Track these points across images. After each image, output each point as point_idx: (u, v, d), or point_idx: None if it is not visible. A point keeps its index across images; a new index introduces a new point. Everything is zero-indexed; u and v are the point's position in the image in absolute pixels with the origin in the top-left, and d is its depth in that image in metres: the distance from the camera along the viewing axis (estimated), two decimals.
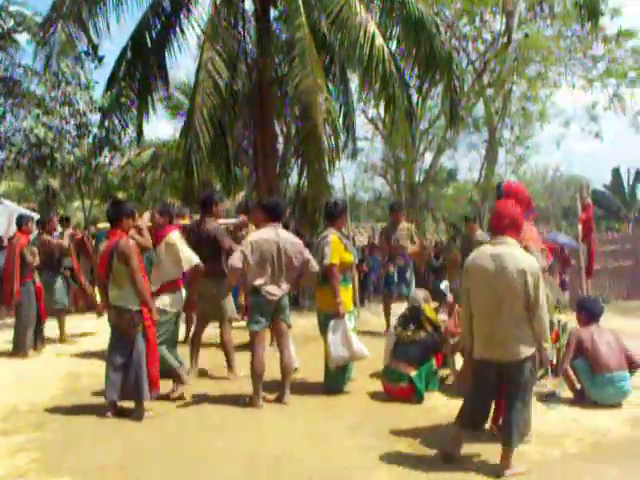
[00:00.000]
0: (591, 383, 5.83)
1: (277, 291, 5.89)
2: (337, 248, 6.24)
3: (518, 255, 4.31)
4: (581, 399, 5.91)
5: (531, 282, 4.21)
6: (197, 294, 7.32)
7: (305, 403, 6.05)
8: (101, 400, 5.76)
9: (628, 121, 23.58)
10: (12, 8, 13.89)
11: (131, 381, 5.57)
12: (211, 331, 7.74)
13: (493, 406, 4.73)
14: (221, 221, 7.76)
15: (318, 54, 11.38)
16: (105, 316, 6.00)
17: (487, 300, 4.35)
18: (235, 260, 5.78)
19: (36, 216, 12.14)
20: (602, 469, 4.45)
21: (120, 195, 24.65)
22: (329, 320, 6.17)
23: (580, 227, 9.12)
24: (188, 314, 8.85)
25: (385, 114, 12.44)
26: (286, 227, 6.49)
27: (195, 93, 11.40)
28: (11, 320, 8.82)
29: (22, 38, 14.53)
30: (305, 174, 12.02)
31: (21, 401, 6.17)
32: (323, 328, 6.30)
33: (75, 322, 9.94)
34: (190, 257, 6.20)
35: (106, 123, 13.49)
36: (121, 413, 5.65)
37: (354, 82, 14.54)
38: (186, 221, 8.23)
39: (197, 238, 6.99)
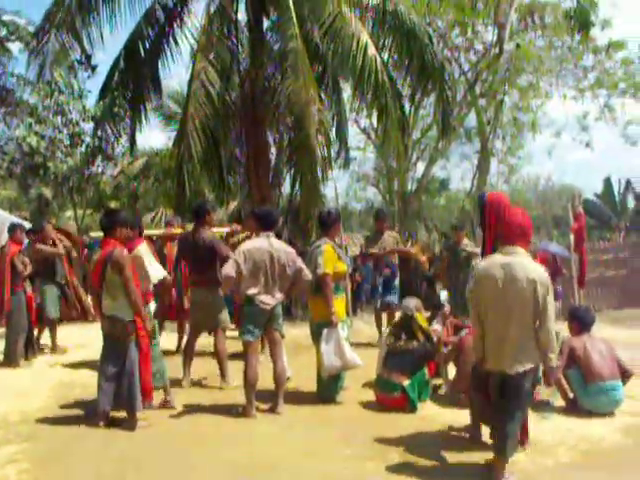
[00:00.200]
0: (584, 392, 5.85)
1: (271, 300, 5.88)
2: (331, 257, 6.25)
3: (528, 265, 4.32)
4: (574, 408, 5.92)
5: (540, 292, 4.22)
6: (190, 303, 7.32)
7: (298, 413, 6.04)
8: (93, 410, 5.73)
9: (619, 131, 23.70)
10: (5, 17, 13.92)
11: (124, 391, 5.54)
12: (204, 340, 7.73)
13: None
14: (214, 230, 7.76)
15: (311, 64, 11.42)
16: (97, 325, 5.96)
17: (496, 309, 4.36)
18: (228, 269, 5.78)
19: (27, 225, 12.10)
20: (594, 477, 4.47)
21: (113, 204, 24.61)
22: (322, 329, 6.17)
23: (572, 236, 9.15)
24: (180, 323, 8.85)
25: (377, 124, 12.49)
26: (279, 236, 6.49)
27: (188, 103, 11.41)
28: (2, 330, 8.77)
29: (15, 47, 14.56)
30: (298, 184, 12.04)
31: (12, 411, 6.13)
32: (316, 337, 6.30)
33: (67, 332, 9.88)
34: (157, 271, 6.15)
35: (99, 132, 13.49)
36: (113, 423, 5.63)
37: (347, 92, 14.59)
38: (178, 230, 8.25)
39: (191, 247, 6.99)
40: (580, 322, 6.22)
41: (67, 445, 5.19)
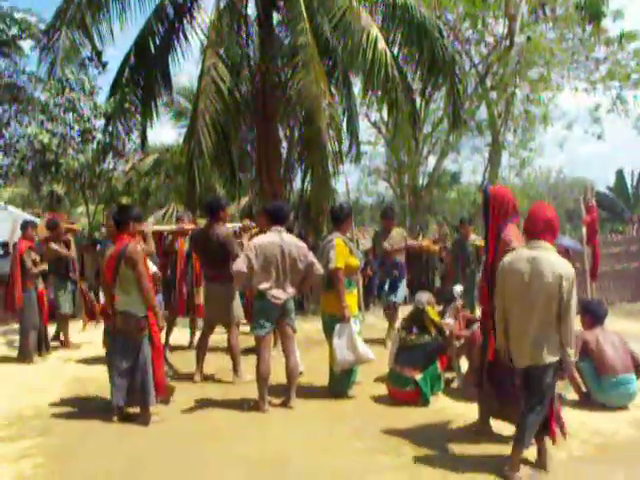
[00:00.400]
0: (597, 385, 5.83)
1: (282, 295, 5.89)
2: (342, 252, 6.25)
3: (554, 260, 4.33)
4: (587, 401, 5.90)
5: (566, 287, 4.23)
6: (205, 298, 7.35)
7: (310, 407, 6.05)
8: (107, 405, 5.77)
9: (631, 123, 23.48)
10: (16, 15, 13.99)
11: (137, 386, 5.58)
12: (217, 336, 7.76)
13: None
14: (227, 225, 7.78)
15: (321, 58, 11.39)
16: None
17: (521, 303, 4.37)
18: (240, 264, 5.79)
19: (38, 221, 12.17)
20: (608, 471, 4.45)
21: (124, 200, 24.70)
22: (334, 324, 6.17)
23: (584, 229, 9.09)
24: (192, 319, 8.90)
25: (388, 118, 12.44)
26: (290, 231, 6.49)
27: (198, 98, 11.41)
28: (17, 326, 8.84)
29: (26, 45, 14.67)
30: (309, 178, 12.03)
31: (26, 406, 6.19)
32: (328, 332, 6.31)
33: (78, 328, 9.94)
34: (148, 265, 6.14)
35: (110, 129, 13.52)
36: (127, 418, 5.66)
37: (357, 86, 14.55)
38: (190, 226, 8.27)
39: (205, 243, 7.01)
40: (593, 315, 6.19)
41: (81, 440, 5.23)
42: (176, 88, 17.67)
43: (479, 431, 5.19)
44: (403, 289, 9.18)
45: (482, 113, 20.08)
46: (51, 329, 9.22)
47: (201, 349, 7.16)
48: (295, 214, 13.32)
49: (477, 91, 18.66)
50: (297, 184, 14.33)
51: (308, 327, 9.19)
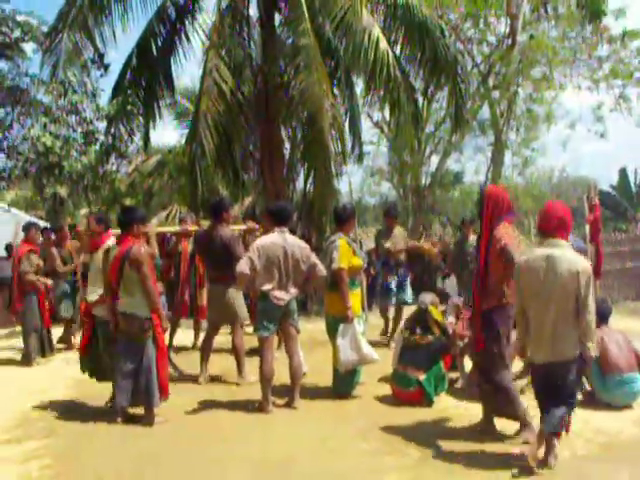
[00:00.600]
0: (601, 384, 5.82)
1: (285, 296, 5.90)
2: (345, 252, 6.26)
3: (571, 257, 4.40)
4: (591, 400, 5.89)
5: (583, 283, 4.31)
6: (208, 299, 7.35)
7: (314, 408, 6.06)
8: (111, 407, 5.78)
9: (634, 121, 23.43)
10: (19, 18, 14.01)
11: (141, 387, 5.59)
12: (221, 338, 7.77)
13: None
14: (230, 227, 7.79)
15: (323, 59, 11.40)
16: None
17: (539, 301, 4.43)
18: (242, 266, 5.79)
19: (42, 224, 12.21)
20: (613, 470, 4.45)
21: (127, 202, 24.69)
22: (338, 324, 6.18)
23: (587, 228, 9.08)
24: (195, 320, 8.91)
25: (390, 118, 12.44)
26: (293, 232, 6.49)
27: (200, 100, 11.43)
28: (20, 328, 8.88)
29: (29, 47, 14.68)
30: (311, 179, 12.04)
31: (31, 408, 6.21)
32: (332, 332, 6.31)
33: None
34: None
35: (112, 131, 13.54)
36: (131, 419, 5.67)
37: (359, 86, 14.56)
38: (193, 228, 8.28)
39: (209, 244, 7.02)
40: (597, 314, 6.17)
41: (87, 441, 5.25)
42: (178, 89, 17.71)
43: (483, 430, 5.19)
44: (409, 288, 9.19)
45: (485, 112, 20.07)
46: (57, 331, 9.25)
47: (205, 350, 7.17)
48: (298, 215, 13.33)
49: (479, 90, 18.64)
50: (300, 184, 14.34)
51: (312, 328, 9.19)
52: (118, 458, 4.85)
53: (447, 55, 11.95)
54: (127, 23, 12.39)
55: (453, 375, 6.68)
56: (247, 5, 12.95)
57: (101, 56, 13.86)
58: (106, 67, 14.52)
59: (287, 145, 14.14)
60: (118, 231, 6.03)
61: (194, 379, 7.06)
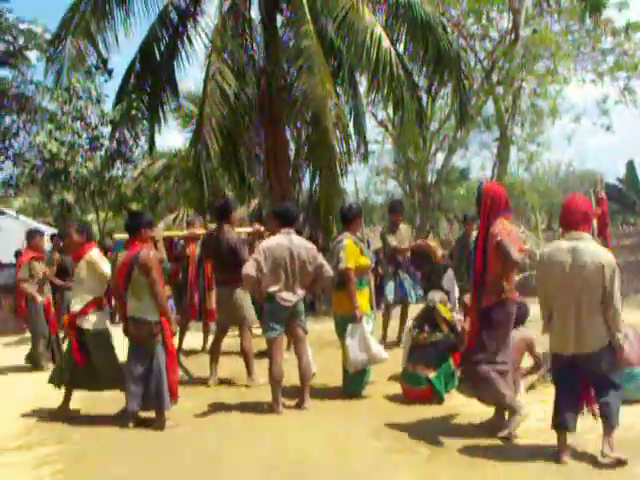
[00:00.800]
0: None
1: (292, 297, 5.90)
2: (352, 252, 6.25)
3: (595, 249, 4.45)
4: None
5: (608, 275, 4.35)
6: (216, 302, 7.36)
7: (325, 408, 6.06)
8: (122, 411, 5.80)
9: None
10: (22, 26, 14.08)
11: (152, 391, 5.60)
12: (230, 340, 7.78)
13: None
14: (236, 230, 7.80)
15: (326, 59, 11.41)
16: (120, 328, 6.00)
17: (564, 294, 4.46)
18: (248, 268, 5.79)
19: (49, 230, 12.26)
20: (626, 466, 4.42)
21: (134, 207, 24.77)
22: (346, 324, 6.18)
23: (595, 222, 9.04)
24: (205, 323, 8.92)
25: (393, 116, 12.43)
26: (299, 233, 6.49)
27: (204, 103, 11.45)
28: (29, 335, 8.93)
29: (33, 55, 14.73)
30: (317, 179, 12.05)
31: (43, 414, 6.22)
32: (341, 332, 6.31)
33: None
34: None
35: (117, 135, 13.58)
36: (142, 423, 5.69)
37: (363, 85, 14.55)
38: (201, 231, 8.30)
39: (216, 246, 7.03)
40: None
41: (99, 446, 5.26)
42: (182, 93, 17.74)
43: (494, 427, 5.18)
44: (418, 287, 9.15)
45: (489, 108, 20.03)
46: None
47: (214, 353, 7.18)
48: (305, 215, 13.34)
49: (483, 86, 18.61)
50: (306, 185, 14.36)
51: (320, 328, 9.19)
52: (131, 462, 4.86)
53: (450, 52, 11.93)
54: (130, 28, 12.46)
55: None
56: (249, 7, 12.97)
57: (104, 62, 13.92)
58: (110, 72, 14.59)
59: (292, 146, 14.15)
60: (125, 236, 6.05)
61: (204, 382, 7.08)
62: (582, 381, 4.66)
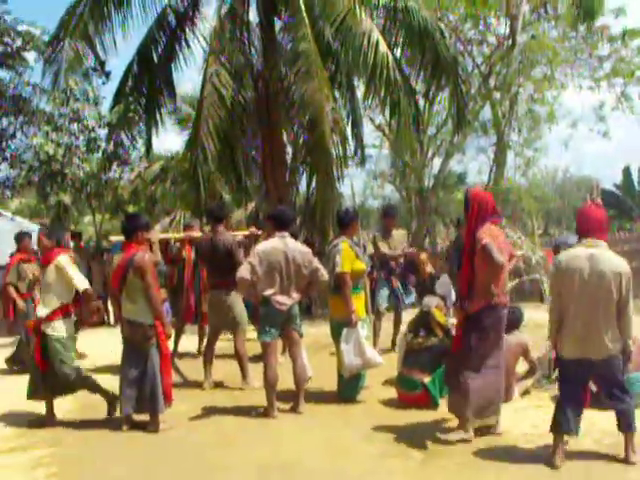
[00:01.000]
0: None
1: (287, 300, 5.89)
2: (348, 256, 6.25)
3: (612, 257, 4.53)
4: (596, 402, 5.85)
5: (624, 283, 4.47)
6: (208, 305, 7.35)
7: (320, 412, 6.06)
8: (116, 414, 5.78)
9: (636, 120, 23.37)
10: (20, 27, 14.08)
11: (146, 394, 5.59)
12: (225, 343, 7.77)
13: None
14: (233, 233, 7.81)
15: (323, 63, 11.42)
16: (118, 330, 5.99)
17: (582, 301, 4.51)
18: (243, 271, 5.79)
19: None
20: (621, 470, 4.44)
21: (131, 209, 24.77)
22: (342, 328, 6.18)
23: None
24: (200, 326, 8.91)
25: (390, 119, 12.44)
26: (295, 236, 6.49)
27: (201, 106, 11.45)
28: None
29: (30, 56, 14.71)
30: (314, 183, 12.05)
31: (36, 417, 6.19)
32: (336, 336, 6.31)
33: (88, 337, 9.97)
34: (80, 281, 5.97)
35: (114, 138, 13.57)
36: (136, 426, 5.68)
37: (360, 89, 14.57)
38: (198, 234, 8.29)
39: (211, 249, 7.03)
40: None
41: (93, 449, 5.25)
42: (179, 95, 17.74)
43: (488, 431, 5.19)
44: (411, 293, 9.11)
45: (486, 113, 20.05)
46: None
47: (207, 357, 7.17)
48: (302, 219, 13.34)
49: (481, 91, 18.64)
50: (303, 188, 14.36)
51: (316, 332, 9.19)
52: (125, 465, 4.85)
53: (447, 57, 11.97)
54: (127, 30, 12.43)
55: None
56: (247, 10, 12.98)
57: (102, 64, 13.91)
58: (107, 75, 14.60)
59: (289, 149, 14.15)
60: (121, 237, 6.04)
61: (199, 385, 7.07)
62: (586, 386, 4.75)
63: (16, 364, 8.42)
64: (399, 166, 22.86)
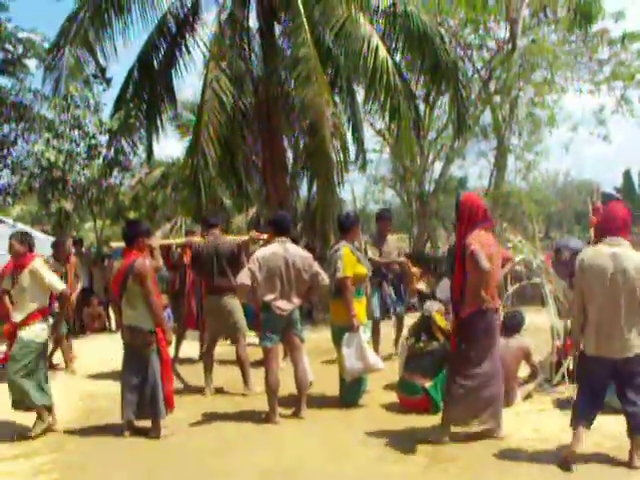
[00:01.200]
0: (609, 388, 5.77)
1: (287, 306, 5.88)
2: (349, 261, 6.25)
3: (635, 256, 4.54)
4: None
5: None
6: (206, 310, 7.35)
7: (321, 416, 6.05)
8: (118, 420, 5.77)
9: (637, 123, 23.41)
10: (21, 35, 14.11)
11: (147, 400, 5.59)
12: (227, 349, 7.76)
13: None
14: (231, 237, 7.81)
15: (323, 68, 11.44)
16: (119, 336, 5.98)
17: (606, 299, 4.52)
18: (243, 277, 5.79)
19: (45, 238, 12.22)
20: (624, 474, 4.43)
21: (132, 215, 24.77)
22: (343, 333, 6.17)
23: (592, 231, 9.05)
24: (202, 331, 8.89)
25: (390, 124, 12.46)
26: (296, 241, 6.48)
27: (201, 111, 11.49)
28: None
29: (31, 63, 14.74)
30: (314, 187, 12.07)
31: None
32: (337, 341, 6.30)
33: (89, 344, 9.97)
34: (57, 283, 5.99)
35: (115, 144, 13.60)
36: (138, 432, 5.67)
37: (360, 94, 14.59)
38: (200, 239, 8.29)
39: (208, 255, 7.03)
40: None
41: (94, 455, 5.25)
42: (180, 101, 17.78)
43: (490, 435, 5.18)
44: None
45: (487, 117, 20.07)
46: None
47: (207, 363, 7.17)
48: (303, 223, 13.35)
49: (481, 96, 18.66)
50: (304, 193, 14.38)
51: (317, 337, 9.18)
52: (127, 471, 4.85)
53: (447, 61, 11.99)
54: (128, 37, 12.49)
55: None
56: (247, 16, 13.03)
57: (103, 70, 13.95)
58: (108, 81, 14.62)
59: (290, 154, 14.17)
60: (122, 244, 6.04)
61: (200, 391, 7.06)
62: (605, 387, 4.72)
63: None
64: (400, 171, 22.86)
